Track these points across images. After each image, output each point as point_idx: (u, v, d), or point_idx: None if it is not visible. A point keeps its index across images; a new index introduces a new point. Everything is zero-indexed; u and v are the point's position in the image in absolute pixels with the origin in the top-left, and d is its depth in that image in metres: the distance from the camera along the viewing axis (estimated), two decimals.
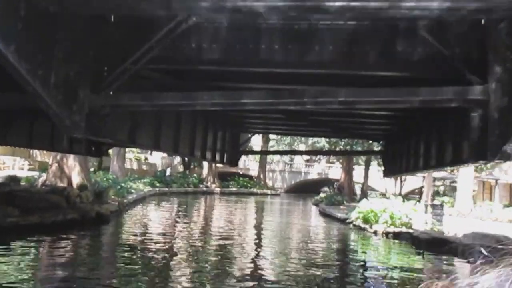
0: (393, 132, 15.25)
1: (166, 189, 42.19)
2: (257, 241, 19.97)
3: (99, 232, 18.59)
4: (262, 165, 57.24)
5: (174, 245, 17.21)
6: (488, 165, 31.64)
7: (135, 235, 18.78)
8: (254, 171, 59.40)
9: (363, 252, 19.26)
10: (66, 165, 25.54)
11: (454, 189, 39.72)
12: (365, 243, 21.11)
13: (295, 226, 25.49)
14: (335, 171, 60.41)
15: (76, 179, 25.32)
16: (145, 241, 17.43)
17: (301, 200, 49.58)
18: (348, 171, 40.66)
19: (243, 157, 68.15)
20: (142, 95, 7.27)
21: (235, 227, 23.25)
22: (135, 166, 52.41)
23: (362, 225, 23.12)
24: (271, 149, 67.01)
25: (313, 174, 63.16)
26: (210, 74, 8.11)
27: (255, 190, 52.67)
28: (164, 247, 16.26)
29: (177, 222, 24.60)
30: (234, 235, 20.42)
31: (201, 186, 49.40)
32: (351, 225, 24.38)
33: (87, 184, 25.06)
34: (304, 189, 60.93)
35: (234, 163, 17.38)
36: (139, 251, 15.22)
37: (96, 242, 16.71)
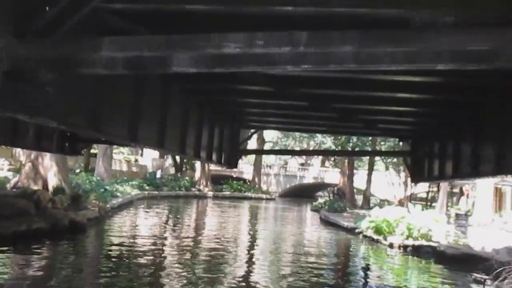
0: (426, 128, 12.19)
1: (156, 192, 38.89)
2: (253, 257, 16.73)
3: (68, 245, 15.30)
4: (257, 168, 54.13)
5: (156, 261, 14.00)
6: None
7: (111, 249, 15.48)
8: (248, 174, 56.28)
9: (380, 269, 16.15)
10: (42, 165, 22.22)
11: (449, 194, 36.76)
12: (380, 258, 18.01)
13: (296, 238, 22.28)
14: (332, 175, 57.49)
15: (53, 181, 22.00)
16: (123, 257, 14.16)
17: (298, 205, 46.47)
18: (350, 175, 37.62)
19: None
20: (96, 42, 4.09)
21: (229, 240, 20.04)
22: (124, 168, 49.01)
23: (375, 237, 20.04)
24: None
25: (308, 178, 60.15)
26: (196, 18, 4.90)
27: (249, 194, 49.52)
28: (143, 266, 13.03)
29: (163, 231, 21.34)
30: (229, 251, 17.24)
31: (193, 189, 46.13)
32: (360, 236, 21.30)
33: (65, 187, 21.77)
34: (299, 194, 57.91)
35: (233, 164, 14.25)
36: (111, 271, 11.96)
37: (56, 259, 13.35)
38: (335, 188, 41.42)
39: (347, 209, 31.60)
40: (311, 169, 62.50)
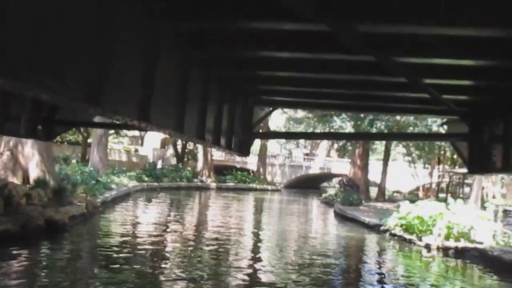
0: (494, 103, 8.85)
1: (156, 184, 35.72)
2: (264, 265, 13.47)
3: (38, 251, 12.07)
4: (262, 158, 50.92)
5: (150, 268, 10.79)
6: None
7: (90, 256, 12.30)
8: (252, 164, 53.12)
9: (422, 279, 12.93)
10: (22, 154, 19.05)
11: (460, 185, 33.25)
12: (417, 264, 14.79)
13: (311, 237, 18.99)
14: (339, 165, 54.41)
15: (34, 172, 18.85)
16: (103, 266, 10.94)
17: (305, 196, 43.32)
18: (364, 165, 34.36)
19: None
20: None
21: (234, 241, 16.83)
22: (124, 158, 46.00)
23: (406, 236, 16.84)
24: (274, 144, 60.87)
25: (314, 169, 56.96)
26: None
27: (254, 185, 46.37)
28: (131, 278, 9.83)
29: (160, 229, 18.13)
30: (234, 257, 14.08)
31: (195, 180, 42.98)
32: (387, 235, 18.11)
33: (49, 179, 18.59)
34: (305, 184, 54.81)
35: (245, 150, 10.96)
36: None
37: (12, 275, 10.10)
38: (346, 178, 38.18)
39: (363, 202, 28.40)
40: (317, 159, 59.31)
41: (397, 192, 42.94)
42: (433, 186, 36.31)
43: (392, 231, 17.79)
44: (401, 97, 8.80)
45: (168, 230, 18.11)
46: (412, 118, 20.79)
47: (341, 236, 19.06)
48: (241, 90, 9.36)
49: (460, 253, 14.81)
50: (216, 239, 16.15)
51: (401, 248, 16.47)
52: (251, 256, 14.36)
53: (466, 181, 35.09)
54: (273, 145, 62.74)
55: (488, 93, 7.77)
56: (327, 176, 61.01)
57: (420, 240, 16.12)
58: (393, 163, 45.26)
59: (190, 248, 14.46)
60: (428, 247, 15.69)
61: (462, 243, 14.98)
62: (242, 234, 18.41)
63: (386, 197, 33.33)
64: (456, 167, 29.32)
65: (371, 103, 10.27)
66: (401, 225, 17.34)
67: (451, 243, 15.16)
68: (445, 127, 12.53)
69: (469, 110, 9.80)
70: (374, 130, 22.77)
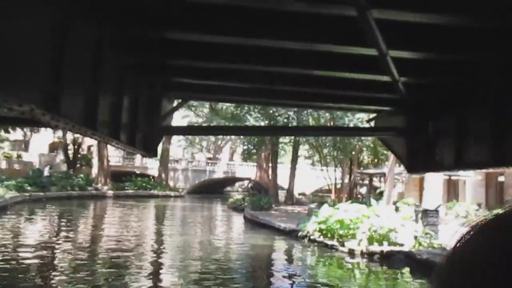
0: (428, 100, 7.60)
1: (42, 193, 31.02)
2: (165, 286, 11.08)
3: None
4: (164, 163, 47.73)
5: None
6: None
7: None
8: (153, 170, 49.67)
9: None
10: None
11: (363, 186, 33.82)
12: (341, 272, 13.44)
13: (222, 249, 16.88)
14: (243, 169, 53.20)
15: None
16: None
17: (210, 202, 41.13)
18: (273, 168, 33.14)
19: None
20: None
21: (132, 258, 14.14)
22: (3, 166, 40.07)
23: (328, 242, 15.48)
24: (176, 148, 57.65)
25: (218, 173, 55.04)
26: None
27: (155, 191, 43.07)
28: None
29: (44, 249, 14.75)
30: (131, 278, 11.53)
31: (89, 188, 38.53)
32: (305, 241, 16.66)
33: None
34: (209, 189, 52.61)
35: (152, 149, 8.53)
36: None
37: None
38: (253, 182, 36.80)
39: (273, 205, 27.02)
40: (221, 163, 57.52)
41: (302, 194, 42.69)
42: (343, 187, 36.42)
43: (312, 237, 16.37)
44: (330, 93, 7.31)
45: (54, 249, 14.78)
46: (339, 114, 19.52)
47: (255, 244, 17.17)
48: (146, 75, 7.00)
49: (386, 258, 13.75)
50: (111, 256, 13.39)
51: (322, 255, 15.07)
52: (150, 276, 11.85)
53: (368, 182, 35.64)
54: (175, 149, 59.66)
55: (436, 87, 6.38)
56: (232, 180, 59.62)
57: (343, 245, 14.86)
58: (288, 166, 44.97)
59: (81, 271, 11.50)
60: (351, 252, 14.46)
61: (388, 247, 13.94)
62: (141, 250, 15.65)
63: (294, 200, 32.45)
64: (361, 168, 29.37)
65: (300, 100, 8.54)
66: (321, 230, 15.98)
67: (376, 248, 14.06)
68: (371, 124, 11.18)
69: (411, 104, 8.35)
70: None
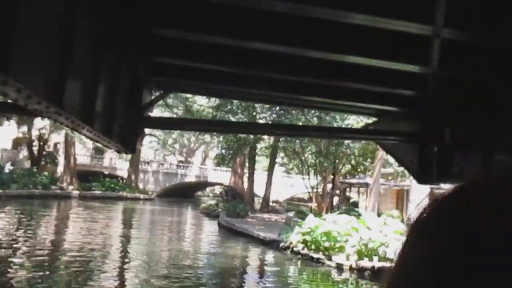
0: (451, 101, 6.53)
1: (1, 191, 28.69)
2: None
3: None
4: (134, 164, 45.65)
5: None
6: None
7: None
8: (122, 171, 47.53)
9: None
10: None
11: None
12: None
13: (195, 261, 15.18)
14: (216, 174, 51.65)
15: None
16: None
17: (181, 206, 39.44)
18: (250, 174, 31.84)
19: (109, 154, 55.34)
20: None
21: (95, 266, 12.55)
22: None
23: (314, 255, 14.29)
24: (147, 149, 55.52)
25: (190, 177, 53.25)
26: None
27: (124, 193, 40.98)
28: None
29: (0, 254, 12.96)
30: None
31: (53, 187, 36.15)
32: (288, 253, 15.44)
33: None
34: (180, 193, 50.77)
35: (130, 143, 7.07)
36: None
37: None
38: (228, 188, 35.39)
39: (249, 213, 25.71)
40: (193, 167, 55.76)
41: (276, 202, 41.52)
42: (324, 196, 35.09)
43: (295, 249, 15.17)
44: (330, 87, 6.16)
45: (8, 255, 12.99)
46: (327, 119, 18.18)
47: (232, 255, 15.78)
48: (128, 51, 5.63)
49: (377, 274, 12.65)
50: (71, 265, 11.76)
51: (308, 269, 13.87)
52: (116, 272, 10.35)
53: (341, 192, 34.66)
54: (146, 151, 57.55)
55: (466, 88, 5.27)
56: (203, 185, 58.01)
57: (330, 259, 13.71)
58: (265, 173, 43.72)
59: (36, 283, 9.87)
60: (340, 267, 13.32)
61: (379, 263, 12.86)
62: (104, 259, 13.98)
63: (270, 208, 31.25)
64: (341, 177, 28.40)
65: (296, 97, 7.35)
66: (306, 242, 14.80)
67: (367, 263, 12.96)
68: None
69: (430, 105, 7.19)
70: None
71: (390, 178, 24.73)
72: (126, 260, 14.37)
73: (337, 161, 19.65)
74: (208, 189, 65.48)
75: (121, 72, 5.80)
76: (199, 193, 63.06)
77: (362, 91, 6.69)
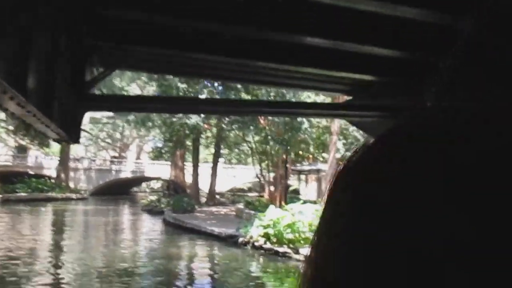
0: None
1: None
2: None
3: None
4: (63, 162, 42.00)
5: None
6: None
7: None
8: (50, 170, 43.60)
9: None
10: None
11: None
12: None
13: (145, 264, 13.51)
14: (155, 168, 49.04)
15: None
16: None
17: (118, 204, 36.74)
18: (195, 167, 30.03)
19: (33, 152, 50.57)
20: None
21: (19, 281, 10.46)
22: None
23: (278, 249, 13.07)
24: (76, 145, 51.04)
25: (126, 173, 50.19)
26: None
27: (54, 194, 37.45)
28: None
29: None
30: None
31: None
32: (248, 248, 14.10)
33: None
34: (115, 190, 47.64)
35: (73, 128, 5.39)
36: None
37: None
38: (168, 182, 33.34)
39: (196, 207, 24.03)
40: (128, 162, 52.67)
41: (219, 194, 40.04)
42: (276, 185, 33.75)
43: (256, 243, 13.86)
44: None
45: None
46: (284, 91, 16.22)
47: (186, 257, 14.12)
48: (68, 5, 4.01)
49: None
50: None
51: (272, 265, 12.62)
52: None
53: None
54: (75, 147, 53.37)
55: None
56: (140, 180, 55.13)
57: (297, 252, 12.56)
58: (205, 165, 41.97)
59: None
60: None
61: None
62: (31, 270, 11.76)
63: (216, 201, 29.76)
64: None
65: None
66: (268, 235, 13.54)
67: None
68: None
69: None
70: None
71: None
72: (56, 271, 12.18)
73: (289, 147, 18.53)
74: (144, 184, 62.52)
75: (60, 34, 4.11)
76: (135, 189, 60.00)
77: (334, 54, 5.28)
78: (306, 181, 29.19)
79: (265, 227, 13.76)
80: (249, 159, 49.96)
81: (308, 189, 29.14)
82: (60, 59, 4.22)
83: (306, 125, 17.08)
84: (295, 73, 6.13)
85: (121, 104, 6.37)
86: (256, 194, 40.09)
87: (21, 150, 46.38)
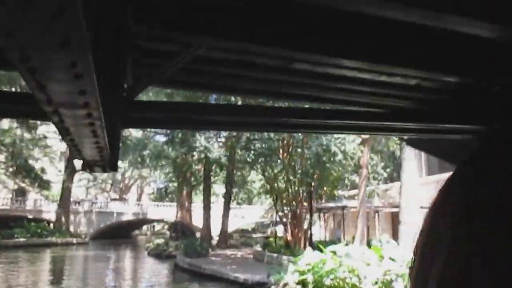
0: None
1: None
2: None
3: None
4: (64, 205, 39.88)
5: None
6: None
7: None
8: (50, 213, 41.43)
9: None
10: None
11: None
12: None
13: None
14: (158, 210, 46.92)
15: None
16: None
17: (121, 248, 34.47)
18: (207, 206, 28.10)
19: (33, 195, 48.47)
20: None
21: None
22: None
23: None
24: (75, 188, 49.07)
25: (128, 215, 47.95)
26: None
27: (53, 239, 35.19)
28: None
29: None
30: None
31: None
32: None
33: None
34: (116, 234, 45.27)
35: (112, 153, 3.55)
36: None
37: None
38: (175, 223, 31.32)
39: (210, 250, 22.04)
40: (129, 204, 50.54)
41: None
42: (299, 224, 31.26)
43: None
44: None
45: None
46: None
47: None
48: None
49: None
50: None
51: None
52: None
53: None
54: (75, 190, 51.34)
55: None
56: (142, 222, 52.82)
57: None
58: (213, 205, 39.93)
59: None
60: None
61: None
62: None
63: (228, 243, 27.74)
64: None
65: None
66: (306, 283, 11.66)
67: None
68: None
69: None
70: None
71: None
72: None
73: (317, 183, 16.90)
74: (145, 227, 60.13)
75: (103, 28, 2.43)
76: (136, 232, 57.53)
77: None
78: (326, 220, 27.15)
79: (301, 273, 11.90)
80: (255, 199, 48.12)
81: (328, 229, 27.03)
82: (101, 61, 2.67)
83: (340, 156, 15.45)
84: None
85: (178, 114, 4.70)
86: (260, 235, 37.92)
87: (20, 193, 44.40)
